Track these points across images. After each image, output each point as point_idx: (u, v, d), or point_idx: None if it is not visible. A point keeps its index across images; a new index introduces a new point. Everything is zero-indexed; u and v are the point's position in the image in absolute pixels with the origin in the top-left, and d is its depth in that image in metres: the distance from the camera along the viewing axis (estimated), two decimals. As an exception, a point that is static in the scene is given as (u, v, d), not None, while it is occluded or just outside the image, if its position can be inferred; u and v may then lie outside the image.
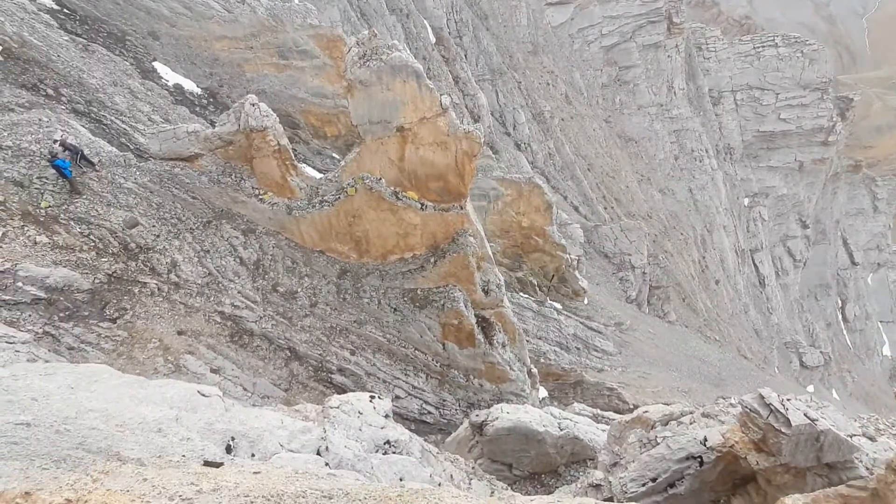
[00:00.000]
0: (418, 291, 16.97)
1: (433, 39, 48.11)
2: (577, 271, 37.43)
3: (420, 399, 16.79)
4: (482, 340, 17.24)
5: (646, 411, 9.91)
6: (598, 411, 20.13)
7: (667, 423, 9.35)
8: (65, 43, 22.57)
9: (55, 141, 13.69)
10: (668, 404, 11.62)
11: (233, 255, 15.87)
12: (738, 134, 68.61)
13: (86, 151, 15.04)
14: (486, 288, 17.86)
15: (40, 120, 15.44)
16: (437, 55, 46.27)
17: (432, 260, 16.94)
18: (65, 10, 25.12)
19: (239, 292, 15.29)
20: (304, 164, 24.34)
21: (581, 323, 36.97)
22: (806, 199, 71.17)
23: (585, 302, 38.58)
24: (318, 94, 32.01)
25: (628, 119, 61.79)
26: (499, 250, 33.40)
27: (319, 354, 15.65)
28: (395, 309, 16.78)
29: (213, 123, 23.69)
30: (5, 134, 14.64)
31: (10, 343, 8.42)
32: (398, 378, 16.58)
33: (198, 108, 26.92)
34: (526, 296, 33.77)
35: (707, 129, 66.11)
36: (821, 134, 68.22)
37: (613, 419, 15.50)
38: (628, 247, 47.38)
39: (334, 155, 31.44)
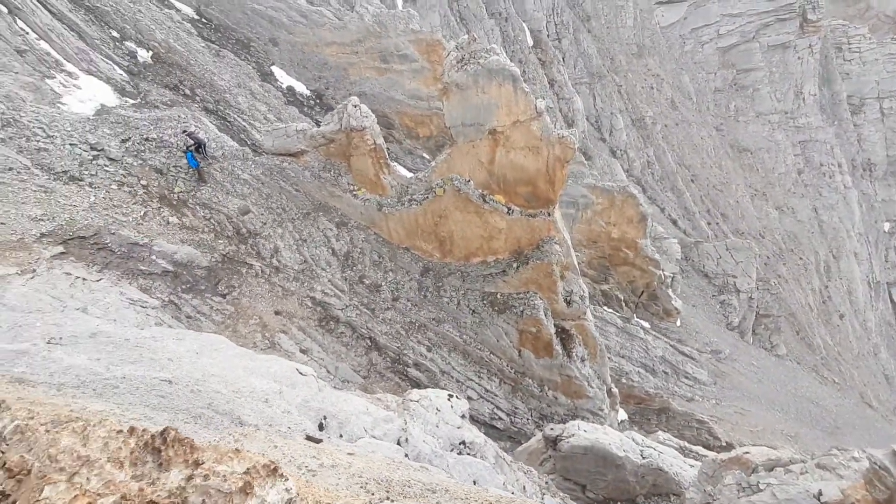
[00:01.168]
0: (498, 296, 16.80)
1: (531, 42, 47.48)
2: (671, 290, 34.65)
3: (492, 403, 16.62)
4: (560, 352, 16.62)
5: (746, 452, 8.84)
6: (686, 444, 18.45)
7: (772, 469, 8.25)
8: (201, 49, 25.73)
9: (184, 132, 15.67)
10: (771, 447, 10.28)
11: (326, 246, 16.95)
12: (883, 148, 58.85)
13: (212, 145, 17.00)
14: (568, 298, 17.20)
15: (179, 116, 17.69)
16: (534, 58, 45.58)
17: (515, 265, 16.68)
18: (203, 20, 28.64)
19: (329, 281, 16.27)
20: (396, 163, 25.30)
21: (671, 346, 34.20)
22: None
23: (678, 324, 35.62)
24: (414, 97, 33.12)
25: (744, 127, 55.84)
26: (584, 260, 32.04)
27: (397, 347, 16.13)
28: (473, 311, 16.78)
29: (318, 123, 25.53)
30: (151, 128, 17.02)
31: (143, 307, 9.71)
32: (471, 380, 16.56)
33: (306, 109, 29.21)
34: (611, 311, 32.01)
35: (842, 141, 57.56)
36: None
37: (704, 455, 14.09)
38: (734, 268, 42.89)
39: (425, 155, 32.31)
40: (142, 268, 12.53)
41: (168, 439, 2.66)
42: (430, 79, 33.05)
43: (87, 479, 2.29)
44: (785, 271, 49.39)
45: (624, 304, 32.70)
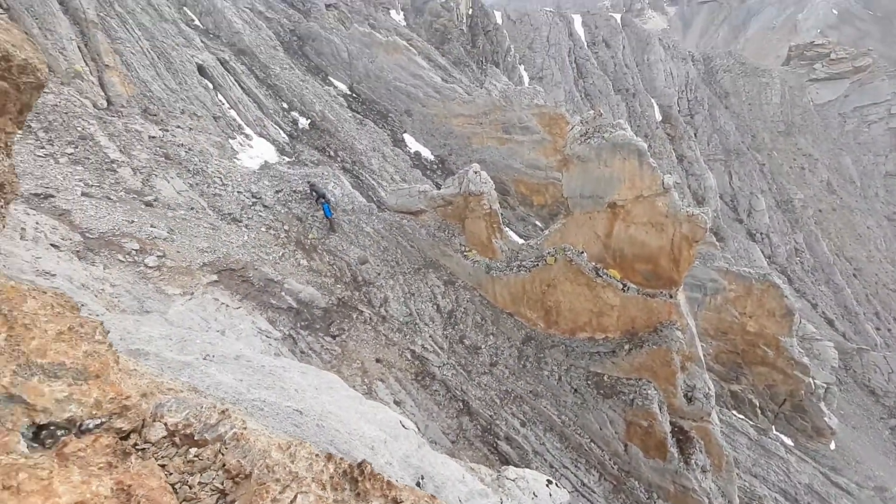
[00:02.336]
0: (605, 378, 15.37)
1: (659, 117, 46.31)
2: (824, 403, 28.59)
3: (588, 500, 14.73)
4: (676, 455, 14.35)
5: None
6: None
7: None
8: (348, 118, 29.62)
9: (309, 182, 17.84)
10: None
11: (432, 302, 17.34)
12: None
13: (344, 200, 18.99)
14: (689, 394, 15.06)
15: (323, 173, 20.21)
16: (662, 133, 44.14)
17: (626, 347, 15.25)
18: (353, 95, 33.15)
19: (430, 336, 16.45)
20: (509, 229, 25.58)
21: (822, 473, 27.65)
22: None
23: (832, 447, 28.92)
24: (532, 166, 33.88)
25: (927, 218, 46.57)
26: (711, 353, 28.20)
27: (490, 416, 15.39)
28: (575, 390, 15.50)
29: (438, 185, 27.25)
30: (299, 181, 19.66)
31: (268, 337, 10.68)
32: (567, 468, 14.97)
33: (428, 172, 31.49)
34: (742, 417, 27.26)
35: None
36: None
37: None
38: (914, 388, 34.26)
39: (537, 223, 32.29)
40: (272, 301, 13.99)
41: (365, 472, 2.80)
42: (549, 150, 33.70)
43: (297, 494, 2.43)
44: None
45: (760, 412, 27.66)
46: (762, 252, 41.56)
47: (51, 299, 2.06)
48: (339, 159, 24.74)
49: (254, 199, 17.60)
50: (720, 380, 27.88)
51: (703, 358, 16.52)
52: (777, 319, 27.35)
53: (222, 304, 12.46)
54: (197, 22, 26.98)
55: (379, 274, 17.12)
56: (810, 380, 27.93)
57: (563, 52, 50.38)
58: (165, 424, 2.33)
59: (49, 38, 15.99)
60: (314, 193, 17.92)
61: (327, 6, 35.99)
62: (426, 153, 32.81)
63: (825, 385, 29.70)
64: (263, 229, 16.53)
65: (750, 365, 28.64)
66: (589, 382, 15.44)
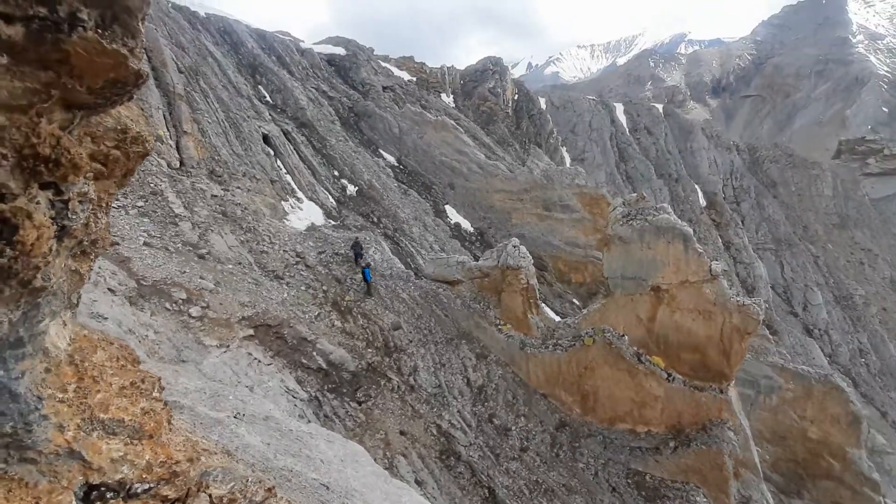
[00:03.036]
0: (647, 477, 13.93)
1: (703, 203, 45.90)
2: (909, 536, 24.50)
3: None
4: (731, 585, 12.43)
5: None
6: None
7: None
8: (394, 188, 31.05)
9: (356, 239, 18.36)
10: None
11: (462, 375, 16.75)
12: None
13: (383, 265, 19.37)
14: (745, 508, 13.33)
15: (365, 238, 20.87)
16: (707, 219, 43.46)
17: (672, 444, 13.94)
18: (400, 166, 35.00)
19: (458, 412, 15.70)
20: (545, 305, 25.04)
21: None
22: None
23: None
24: (571, 243, 33.82)
25: None
26: (768, 461, 25.28)
27: (517, 510, 14.07)
28: (613, 489, 14.06)
29: (476, 257, 27.44)
30: (342, 245, 20.35)
31: (294, 397, 10.51)
32: (601, 584, 13.21)
33: (467, 244, 31.95)
34: (807, 542, 23.68)
35: None
36: None
37: None
38: None
39: (574, 301, 31.53)
40: (303, 361, 13.93)
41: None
42: (589, 229, 33.72)
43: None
44: None
45: (829, 538, 23.97)
46: (822, 350, 38.35)
47: (117, 351, 2.10)
48: (381, 225, 25.63)
49: (297, 259, 18.25)
50: (779, 492, 24.68)
51: (759, 465, 14.82)
52: (843, 427, 24.49)
53: (255, 359, 12.51)
54: (268, 97, 29.98)
55: (411, 341, 16.88)
56: (881, 498, 24.25)
57: (604, 137, 52.00)
58: (210, 496, 2.22)
59: (141, 106, 18.15)
60: (356, 250, 18.46)
61: (384, 88, 39.33)
62: (466, 225, 33.52)
63: (907, 512, 25.62)
64: (303, 288, 16.92)
65: (813, 478, 25.33)
66: (629, 481, 14.03)
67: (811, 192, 48.16)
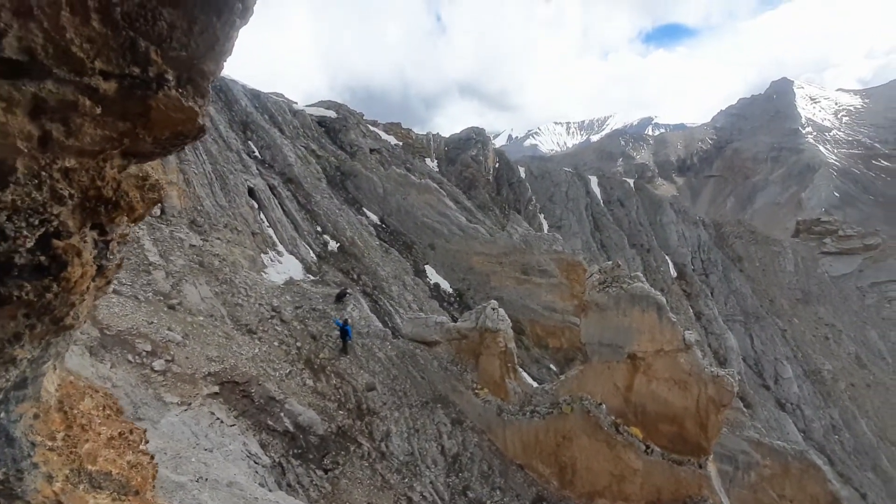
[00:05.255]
0: (627, 562, 13.17)
1: (674, 274, 47.43)
2: None
3: None
4: None
5: None
6: None
7: None
8: (376, 246, 31.24)
9: (342, 287, 18.11)
10: None
11: (437, 442, 16.02)
12: None
13: (361, 322, 19.02)
14: None
15: (350, 292, 20.59)
16: (678, 289, 44.73)
17: (652, 523, 13.35)
18: (383, 225, 35.45)
19: (431, 483, 14.84)
20: (522, 370, 24.69)
21: None
22: None
23: None
24: (549, 308, 34.06)
25: (974, 406, 43.19)
26: (749, 543, 24.25)
27: None
28: (592, 574, 13.20)
29: (455, 318, 27.27)
30: (320, 300, 20.02)
31: (256, 462, 9.81)
32: None
33: (446, 304, 31.84)
34: None
35: None
36: None
37: None
38: None
39: (552, 366, 31.20)
40: (269, 422, 13.15)
41: None
42: (566, 294, 34.18)
43: None
44: None
45: None
46: (795, 425, 38.35)
47: (103, 400, 2.02)
48: (361, 282, 25.47)
49: (273, 313, 17.81)
50: (764, 581, 23.51)
51: (742, 549, 14.21)
52: (823, 509, 23.96)
53: (217, 419, 11.76)
54: (257, 153, 30.64)
55: (385, 404, 16.24)
56: None
57: (580, 206, 54.27)
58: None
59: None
60: (340, 299, 18.26)
61: (371, 150, 40.77)
62: (445, 286, 33.59)
63: None
64: (276, 343, 16.37)
65: (798, 565, 24.29)
66: (609, 565, 13.23)
67: (774, 268, 50.53)
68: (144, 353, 11.72)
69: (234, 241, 20.62)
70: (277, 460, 12.56)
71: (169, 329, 13.37)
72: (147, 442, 2.10)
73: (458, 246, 36.22)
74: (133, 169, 1.67)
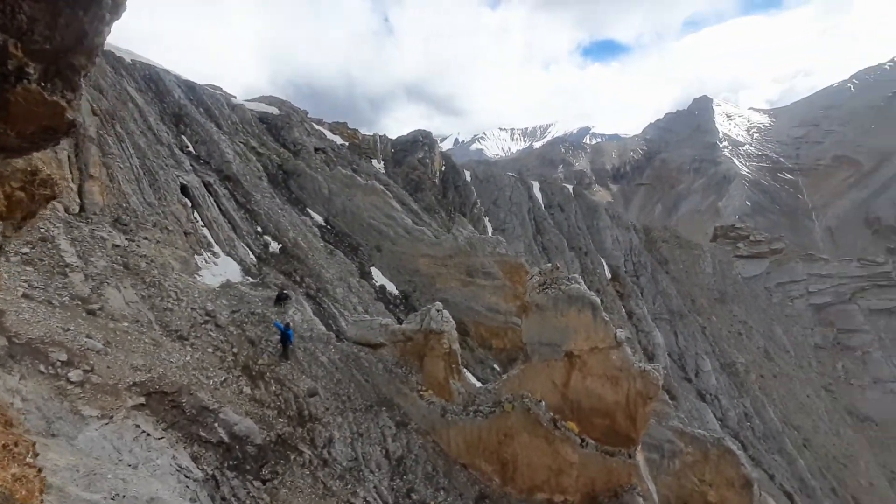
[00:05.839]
0: (564, 551, 13.80)
1: (609, 275, 50.18)
2: None
3: None
4: None
5: None
6: None
7: None
8: (320, 247, 30.50)
9: (281, 289, 17.54)
10: None
11: (381, 445, 15.93)
12: None
13: (303, 326, 18.52)
14: (655, 576, 13.56)
15: (290, 294, 19.94)
16: (612, 290, 47.34)
17: (586, 513, 14.09)
18: (328, 227, 34.70)
19: (375, 487, 14.72)
20: (467, 371, 25.11)
21: None
22: None
23: None
24: (493, 310, 34.87)
25: (859, 392, 49.36)
26: (673, 525, 26.11)
27: None
28: (531, 566, 13.70)
29: (400, 320, 27.22)
30: (260, 303, 19.26)
31: (187, 477, 9.29)
32: None
33: (391, 306, 31.69)
34: None
35: None
36: None
37: None
38: (885, 581, 32.11)
39: (496, 366, 31.95)
40: (202, 433, 12.48)
41: None
42: (509, 296, 35.15)
43: None
44: None
45: None
46: (714, 414, 41.83)
47: None
48: (304, 285, 24.77)
49: (207, 317, 16.90)
50: (686, 560, 25.38)
51: (666, 531, 15.34)
52: (737, 490, 26.31)
53: (143, 432, 10.99)
54: (191, 148, 28.93)
55: (328, 409, 15.91)
56: (779, 565, 25.85)
57: (523, 211, 56.02)
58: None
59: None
60: (280, 302, 17.66)
61: (316, 150, 39.76)
62: (391, 288, 33.43)
63: (795, 572, 27.45)
64: (210, 350, 15.55)
65: (715, 543, 26.48)
66: (547, 555, 13.78)
67: (695, 270, 54.93)
68: (59, 363, 10.75)
69: (164, 241, 19.35)
70: (211, 473, 11.95)
71: (88, 336, 12.34)
72: (36, 455, 2.00)
73: (404, 248, 36.17)
74: (20, 163, 1.60)
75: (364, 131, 55.38)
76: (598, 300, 15.59)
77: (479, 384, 21.44)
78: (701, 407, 41.40)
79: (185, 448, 11.69)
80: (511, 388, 15.92)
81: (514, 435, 15.00)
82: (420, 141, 54.31)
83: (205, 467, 11.90)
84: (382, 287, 32.92)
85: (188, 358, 14.55)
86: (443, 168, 56.14)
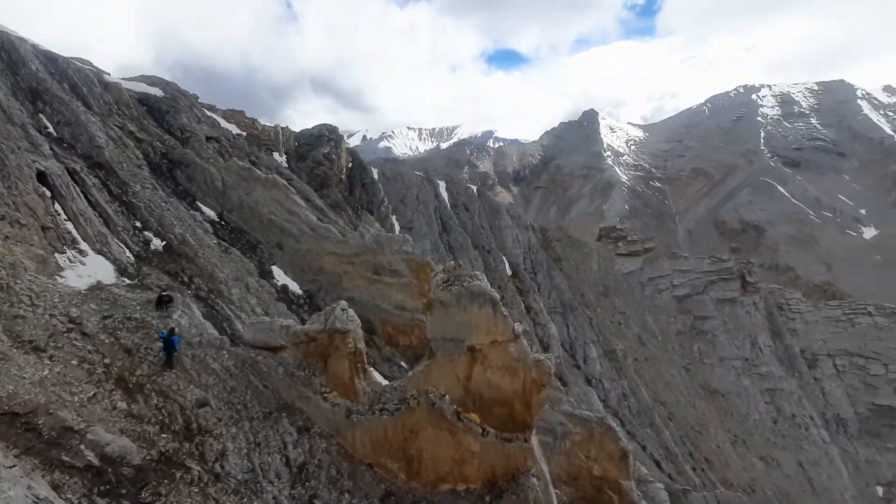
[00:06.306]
0: (466, 536, 14.43)
1: (510, 272, 53.12)
2: (662, 549, 30.05)
3: None
4: None
5: None
6: None
7: None
8: (212, 245, 28.15)
9: (163, 291, 15.99)
10: None
11: (281, 454, 15.24)
12: (849, 405, 60.44)
13: (192, 331, 16.99)
14: (547, 548, 14.79)
15: (171, 296, 18.11)
16: (512, 286, 50.19)
17: (487, 498, 14.89)
18: (222, 222, 32.16)
19: (274, 498, 14.06)
20: (374, 369, 24.99)
21: None
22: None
23: None
24: (400, 307, 35.02)
25: (709, 370, 58.21)
26: (566, 501, 28.59)
27: None
28: (435, 555, 14.13)
29: (304, 321, 26.19)
30: (139, 307, 17.27)
31: (45, 511, 8.11)
32: None
33: (294, 307, 30.32)
34: (596, 572, 26.95)
35: (807, 393, 59.52)
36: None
37: None
38: (727, 526, 38.31)
39: (403, 364, 32.17)
40: (64, 458, 10.90)
41: None
42: (416, 294, 35.57)
43: None
44: (785, 537, 44.13)
45: (611, 565, 27.73)
46: (598, 396, 46.50)
47: None
48: (193, 286, 22.69)
49: (70, 325, 14.73)
50: (574, 531, 27.89)
51: (557, 506, 16.78)
52: (616, 462, 29.51)
53: (-15, 463, 9.31)
54: (52, 130, 24.90)
55: (220, 420, 14.80)
56: (649, 524, 29.54)
57: (430, 210, 56.98)
58: None
59: None
60: (162, 305, 15.97)
61: (208, 138, 36.49)
62: (294, 287, 31.98)
63: (661, 529, 31.55)
64: (75, 362, 13.60)
65: (599, 512, 29.46)
66: (450, 543, 14.31)
67: (584, 267, 60.55)
68: None
69: (14, 236, 16.47)
70: (77, 501, 10.53)
71: None
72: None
73: (308, 246, 34.77)
74: None
75: (265, 121, 52.11)
76: (498, 296, 16.51)
77: (386, 382, 21.46)
78: (588, 391, 45.76)
79: (43, 476, 10.14)
80: (417, 385, 16.21)
81: (419, 430, 15.30)
82: (326, 135, 52.53)
83: (69, 496, 10.45)
84: (285, 287, 31.36)
85: (46, 373, 12.61)
86: (349, 165, 54.92)
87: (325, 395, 16.46)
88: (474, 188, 67.15)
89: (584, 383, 46.86)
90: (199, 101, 41.69)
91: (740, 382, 57.17)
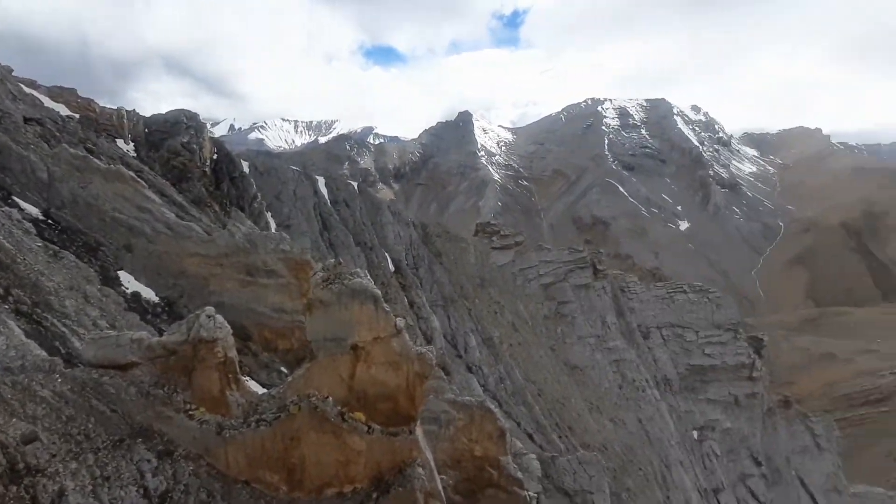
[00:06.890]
0: (354, 536, 14.40)
1: (392, 269, 53.51)
2: (536, 513, 33.31)
3: None
4: None
5: None
6: None
7: None
8: (36, 248, 23.48)
9: None
10: None
11: (137, 484, 13.47)
12: (672, 367, 73.42)
13: (10, 353, 14.07)
14: (433, 532, 15.46)
15: (-25, 319, 14.76)
16: (395, 282, 50.68)
17: (374, 496, 14.99)
18: (48, 221, 26.99)
19: (130, 534, 12.42)
20: (250, 378, 23.33)
21: (545, 585, 30.92)
22: (750, 434, 72.12)
23: (548, 555, 33.18)
24: (278, 310, 33.00)
25: (570, 348, 65.83)
26: (451, 484, 29.97)
27: None
28: (322, 560, 13.86)
29: (161, 332, 23.29)
30: (-73, 332, 13.72)
31: None
32: None
33: (149, 317, 26.73)
34: (479, 545, 28.85)
35: (643, 360, 70.79)
36: (744, 370, 74.15)
37: None
38: (588, 483, 43.82)
39: (283, 369, 30.47)
40: None
41: None
42: (295, 294, 33.86)
43: None
44: (631, 483, 52.05)
45: (492, 536, 29.94)
46: (478, 382, 49.52)
47: None
48: (10, 299, 18.71)
49: None
50: (459, 511, 29.47)
51: (442, 492, 17.60)
52: (495, 441, 31.79)
53: None
54: None
55: (54, 455, 12.53)
56: (526, 493, 32.51)
57: (308, 206, 54.53)
58: None
59: None
60: None
61: (27, 120, 30.11)
62: (149, 294, 28.20)
63: (536, 495, 34.96)
64: None
65: (482, 489, 31.47)
66: (337, 545, 14.16)
67: (463, 261, 63.78)
68: None
69: None
70: None
71: None
72: None
73: (165, 247, 30.83)
74: None
75: (104, 103, 44.55)
76: (380, 292, 16.65)
77: (264, 391, 20.18)
78: (469, 378, 48.44)
79: None
80: (297, 389, 15.59)
81: (301, 437, 14.78)
82: (184, 122, 46.85)
83: None
84: (136, 294, 27.44)
85: None
86: (214, 156, 49.83)
87: (191, 412, 14.94)
88: (355, 184, 65.99)
89: (465, 371, 49.46)
90: (12, 74, 34.05)
91: (594, 357, 65.77)
